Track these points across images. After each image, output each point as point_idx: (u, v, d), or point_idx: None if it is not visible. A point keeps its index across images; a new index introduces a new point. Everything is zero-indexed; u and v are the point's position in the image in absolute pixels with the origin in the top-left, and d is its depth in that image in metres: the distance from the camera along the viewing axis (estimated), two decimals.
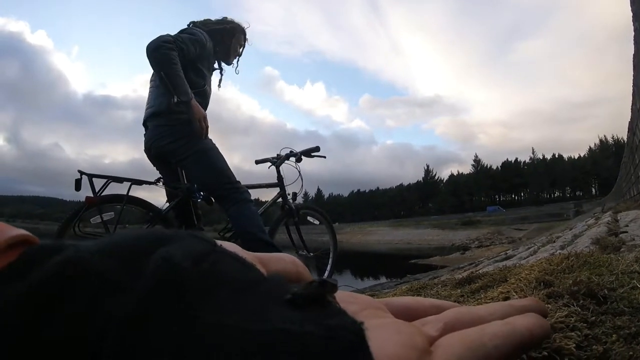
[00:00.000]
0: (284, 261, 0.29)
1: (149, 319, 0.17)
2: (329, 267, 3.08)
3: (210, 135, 2.44)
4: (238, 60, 2.72)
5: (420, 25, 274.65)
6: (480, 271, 1.06)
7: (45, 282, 0.17)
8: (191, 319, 0.17)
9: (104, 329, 0.16)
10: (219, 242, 0.24)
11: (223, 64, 2.67)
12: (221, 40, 2.53)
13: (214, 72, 2.59)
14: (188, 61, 2.25)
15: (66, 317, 0.16)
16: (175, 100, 2.16)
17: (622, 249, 1.44)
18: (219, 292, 0.19)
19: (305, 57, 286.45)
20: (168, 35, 2.16)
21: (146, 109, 2.39)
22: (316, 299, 0.21)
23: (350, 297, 0.29)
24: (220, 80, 2.69)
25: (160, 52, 2.10)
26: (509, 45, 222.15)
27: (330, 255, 3.14)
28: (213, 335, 0.17)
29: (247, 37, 2.69)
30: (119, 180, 2.29)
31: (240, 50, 2.68)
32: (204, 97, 2.45)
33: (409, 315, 0.30)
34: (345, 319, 0.19)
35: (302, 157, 2.98)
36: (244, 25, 2.66)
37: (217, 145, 2.42)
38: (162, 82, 2.14)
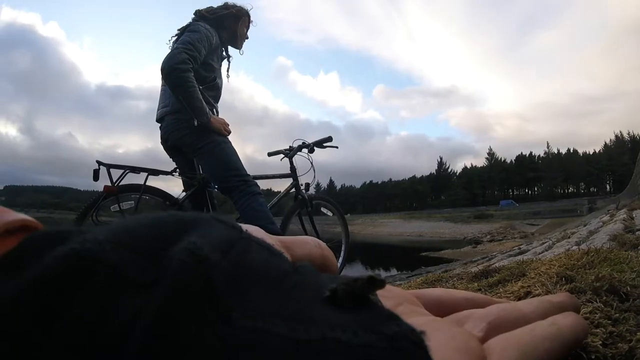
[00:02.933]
0: (309, 245, 0.28)
1: (178, 324, 0.14)
2: (341, 259, 3.09)
3: None
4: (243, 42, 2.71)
5: (437, 14, 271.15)
6: (495, 265, 1.06)
7: (45, 280, 0.14)
8: (226, 326, 0.15)
9: (123, 336, 0.14)
10: (243, 226, 0.22)
11: (231, 50, 2.66)
12: (228, 26, 2.51)
13: (223, 61, 2.59)
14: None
15: (72, 324, 0.14)
16: (196, 123, 2.22)
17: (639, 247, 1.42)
18: (253, 288, 0.17)
19: (320, 44, 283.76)
20: (180, 52, 2.15)
21: (160, 108, 2.41)
22: (359, 297, 0.19)
23: (383, 290, 0.27)
24: (228, 69, 2.66)
25: (175, 75, 2.12)
26: (526, 36, 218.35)
27: (343, 247, 3.15)
28: (253, 346, 0.14)
29: (251, 18, 2.66)
30: (136, 170, 2.34)
31: (246, 32, 2.66)
32: (216, 89, 2.47)
33: (441, 309, 0.29)
34: (402, 325, 0.17)
35: (315, 147, 2.98)
36: (248, 7, 2.63)
37: (231, 136, 2.44)
38: (180, 103, 2.18)
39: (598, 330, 0.40)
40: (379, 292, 0.21)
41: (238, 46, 2.65)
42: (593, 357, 0.36)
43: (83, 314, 0.14)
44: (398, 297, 0.28)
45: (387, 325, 0.17)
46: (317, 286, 0.19)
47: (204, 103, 2.22)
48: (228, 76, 2.66)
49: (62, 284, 0.15)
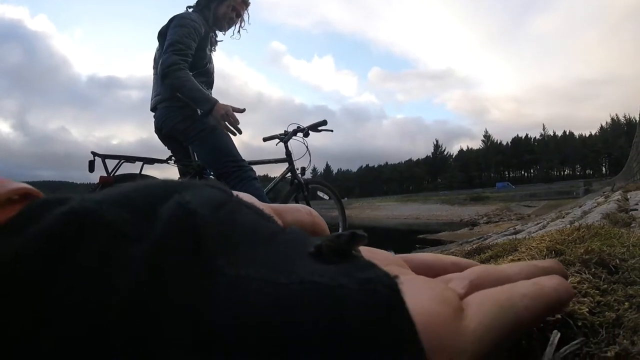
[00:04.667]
0: (300, 212, 0.29)
1: (166, 270, 0.15)
2: None
3: None
4: (241, 25, 2.62)
5: None
6: (489, 243, 1.07)
7: (48, 235, 0.16)
8: (212, 271, 0.16)
9: (116, 283, 0.15)
10: (235, 192, 0.23)
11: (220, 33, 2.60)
12: (213, 9, 2.45)
13: (215, 46, 2.56)
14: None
15: (72, 273, 0.15)
16: (200, 112, 2.23)
17: (632, 225, 1.44)
18: (240, 244, 0.18)
19: (314, 28, 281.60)
20: (171, 55, 2.15)
21: (153, 97, 2.40)
22: (342, 251, 0.20)
23: (369, 252, 0.28)
24: (213, 46, 2.59)
25: (170, 78, 2.14)
26: (524, 18, 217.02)
27: (340, 231, 3.16)
28: (236, 288, 0.16)
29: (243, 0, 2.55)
30: (132, 160, 2.34)
31: (233, 13, 2.52)
32: (207, 75, 2.45)
33: (429, 272, 0.29)
34: (378, 271, 0.18)
35: (310, 132, 2.98)
36: None
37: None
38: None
39: (585, 299, 0.41)
40: (367, 254, 0.22)
41: (223, 28, 2.57)
42: (580, 323, 0.37)
43: (81, 266, 0.15)
44: (385, 259, 0.28)
45: (363, 271, 0.18)
46: (304, 244, 0.20)
47: (205, 91, 2.23)
48: (214, 49, 2.60)
49: (61, 237, 0.16)
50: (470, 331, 0.20)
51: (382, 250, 0.30)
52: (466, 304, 0.22)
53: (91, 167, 2.24)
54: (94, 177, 2.26)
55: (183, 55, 2.16)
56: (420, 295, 0.21)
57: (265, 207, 0.25)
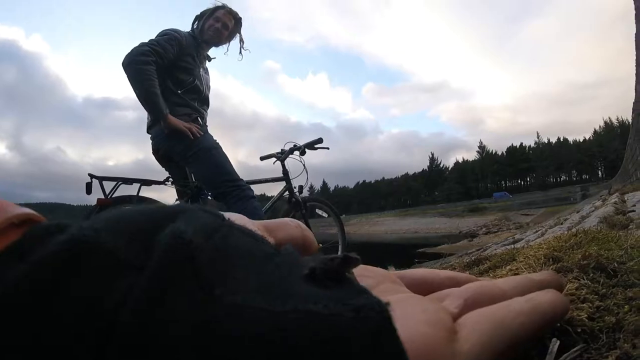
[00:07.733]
0: (290, 226, 0.29)
1: (164, 300, 0.16)
2: None
3: (213, 132, 2.46)
4: (241, 43, 2.62)
5: (426, 6, 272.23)
6: (488, 253, 1.07)
7: (47, 263, 0.16)
8: (208, 300, 0.16)
9: (115, 312, 0.15)
10: (226, 214, 0.24)
11: (218, 52, 2.59)
12: (202, 24, 2.46)
13: (205, 61, 2.55)
14: (171, 62, 2.25)
15: (71, 300, 0.15)
16: (149, 120, 2.23)
17: (630, 227, 1.44)
18: (235, 269, 0.18)
19: (309, 43, 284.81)
20: (142, 45, 2.13)
21: (148, 117, 2.38)
22: (336, 274, 0.20)
23: (365, 271, 0.29)
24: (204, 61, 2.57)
25: (132, 68, 2.09)
26: (515, 26, 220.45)
27: (339, 248, 3.15)
28: (233, 317, 0.16)
29: (227, 11, 2.49)
30: (129, 181, 2.32)
31: (218, 24, 2.45)
32: (196, 92, 2.42)
33: (424, 288, 0.30)
34: (370, 298, 0.19)
35: (306, 149, 2.98)
36: (218, 3, 2.51)
37: (221, 141, 2.43)
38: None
39: (584, 305, 0.41)
40: (361, 272, 0.22)
41: (210, 40, 2.49)
42: (579, 330, 0.37)
43: (80, 295, 0.15)
44: (379, 277, 0.28)
45: (356, 298, 0.18)
46: (298, 266, 0.20)
47: (161, 99, 2.16)
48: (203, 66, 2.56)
49: (61, 266, 0.16)
50: (464, 353, 0.21)
51: (377, 268, 0.31)
52: (460, 325, 0.23)
53: (88, 189, 2.22)
54: (91, 199, 2.24)
55: (155, 52, 2.13)
56: (414, 319, 0.21)
57: (257, 225, 0.26)
